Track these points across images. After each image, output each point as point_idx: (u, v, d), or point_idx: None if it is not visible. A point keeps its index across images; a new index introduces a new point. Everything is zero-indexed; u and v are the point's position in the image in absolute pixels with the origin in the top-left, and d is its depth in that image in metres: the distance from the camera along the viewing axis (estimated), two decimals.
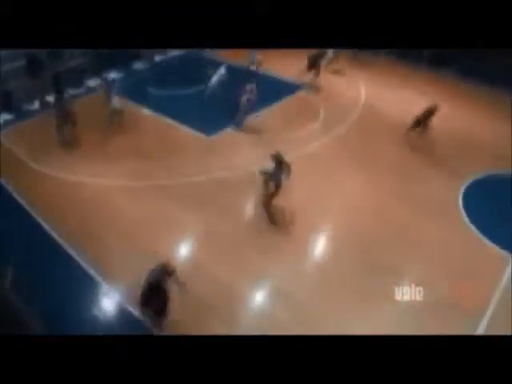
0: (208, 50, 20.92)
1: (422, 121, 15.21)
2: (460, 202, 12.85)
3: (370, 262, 10.81)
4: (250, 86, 15.53)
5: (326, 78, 19.08)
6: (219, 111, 16.65)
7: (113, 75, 19.30)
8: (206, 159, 14.31)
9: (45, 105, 17.02)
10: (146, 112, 16.80)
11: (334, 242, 11.62)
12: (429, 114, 15.10)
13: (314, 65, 18.53)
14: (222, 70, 17.01)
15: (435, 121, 16.39)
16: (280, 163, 11.74)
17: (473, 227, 11.93)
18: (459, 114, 17.22)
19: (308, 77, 18.70)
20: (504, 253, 11.16)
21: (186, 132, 15.73)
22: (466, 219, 12.21)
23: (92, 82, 18.76)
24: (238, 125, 15.94)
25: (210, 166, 13.94)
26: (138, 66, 20.49)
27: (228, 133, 15.82)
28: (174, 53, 21.59)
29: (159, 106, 17.00)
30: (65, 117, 14.57)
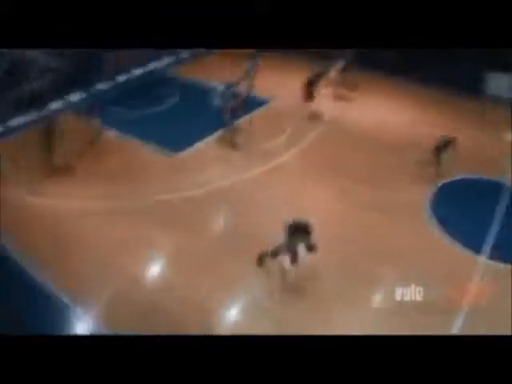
0: (170, 67, 21.26)
1: (435, 154, 14.38)
2: (428, 207, 13.16)
3: (347, 270, 10.89)
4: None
5: (292, 90, 18.74)
6: (187, 127, 16.69)
7: (76, 97, 19.01)
8: (176, 177, 14.23)
9: (7, 129, 16.57)
10: (113, 133, 16.58)
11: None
12: (443, 146, 14.39)
13: (311, 91, 17.68)
14: (220, 88, 16.90)
15: (401, 128, 17.14)
16: (300, 232, 10.23)
17: (441, 231, 12.23)
18: (423, 120, 17.71)
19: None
20: (472, 254, 11.48)
21: (153, 151, 15.60)
22: (435, 223, 12.50)
23: (54, 105, 18.38)
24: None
25: (179, 184, 13.84)
26: (102, 86, 20.20)
27: (196, 149, 15.81)
28: (137, 71, 21.49)
29: (125, 127, 16.80)
30: (51, 135, 14.17)
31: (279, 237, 10.30)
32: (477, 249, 11.58)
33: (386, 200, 13.36)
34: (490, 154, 15.33)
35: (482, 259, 11.34)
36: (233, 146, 15.88)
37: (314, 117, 17.83)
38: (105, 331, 9.31)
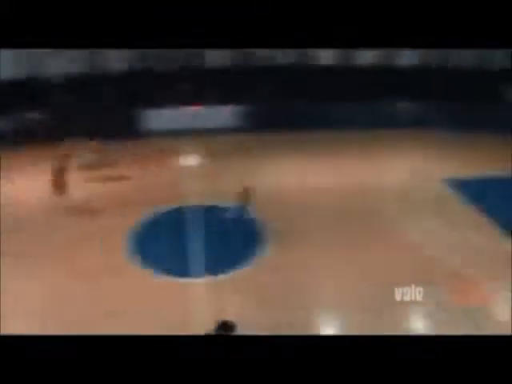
0: None
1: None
2: (126, 248, 12.96)
3: None
4: None
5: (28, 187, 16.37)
6: None
7: None
8: None
9: None
10: None
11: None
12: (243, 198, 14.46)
13: (60, 179, 15.17)
14: None
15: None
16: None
17: (146, 267, 12.19)
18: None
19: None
20: (189, 279, 11.71)
21: None
22: (136, 261, 12.43)
23: None
24: None
25: None
26: None
27: None
28: None
29: None
30: None
31: None
32: (189, 273, 11.81)
33: (83, 261, 12.58)
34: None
35: (201, 281, 11.59)
36: None
37: (82, 211, 15.32)
38: None
